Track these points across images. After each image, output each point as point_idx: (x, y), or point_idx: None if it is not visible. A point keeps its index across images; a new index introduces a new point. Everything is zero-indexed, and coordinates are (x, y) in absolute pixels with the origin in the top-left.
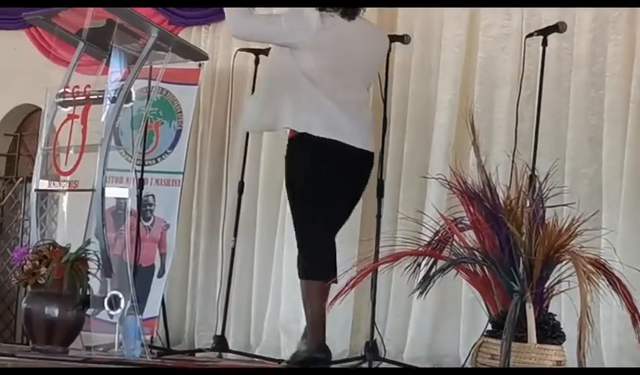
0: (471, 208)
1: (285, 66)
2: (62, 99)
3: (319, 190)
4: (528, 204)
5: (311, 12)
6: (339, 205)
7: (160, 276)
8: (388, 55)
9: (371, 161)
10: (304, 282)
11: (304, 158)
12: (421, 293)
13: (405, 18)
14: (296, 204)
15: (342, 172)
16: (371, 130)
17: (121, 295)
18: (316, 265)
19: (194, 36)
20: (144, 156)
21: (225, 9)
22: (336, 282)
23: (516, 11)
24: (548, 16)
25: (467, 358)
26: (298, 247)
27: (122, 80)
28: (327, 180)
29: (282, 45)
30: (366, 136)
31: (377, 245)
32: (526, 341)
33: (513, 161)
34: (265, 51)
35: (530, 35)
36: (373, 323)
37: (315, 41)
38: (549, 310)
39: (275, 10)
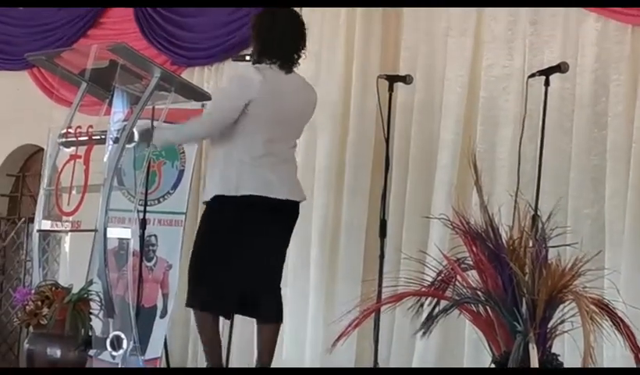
0: (474, 248)
1: (223, 145)
2: (64, 139)
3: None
4: (530, 244)
5: (250, 70)
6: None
7: (162, 316)
8: (390, 97)
9: (296, 208)
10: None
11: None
12: (424, 333)
13: (407, 58)
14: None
15: (266, 223)
16: (297, 180)
17: (123, 336)
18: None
19: (197, 76)
20: (146, 196)
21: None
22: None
23: (518, 51)
24: (550, 56)
25: None
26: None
27: (124, 121)
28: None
29: (237, 113)
30: (290, 187)
31: (380, 285)
32: None
33: (515, 201)
34: None
35: (532, 75)
36: (376, 364)
37: (259, 94)
38: (553, 350)
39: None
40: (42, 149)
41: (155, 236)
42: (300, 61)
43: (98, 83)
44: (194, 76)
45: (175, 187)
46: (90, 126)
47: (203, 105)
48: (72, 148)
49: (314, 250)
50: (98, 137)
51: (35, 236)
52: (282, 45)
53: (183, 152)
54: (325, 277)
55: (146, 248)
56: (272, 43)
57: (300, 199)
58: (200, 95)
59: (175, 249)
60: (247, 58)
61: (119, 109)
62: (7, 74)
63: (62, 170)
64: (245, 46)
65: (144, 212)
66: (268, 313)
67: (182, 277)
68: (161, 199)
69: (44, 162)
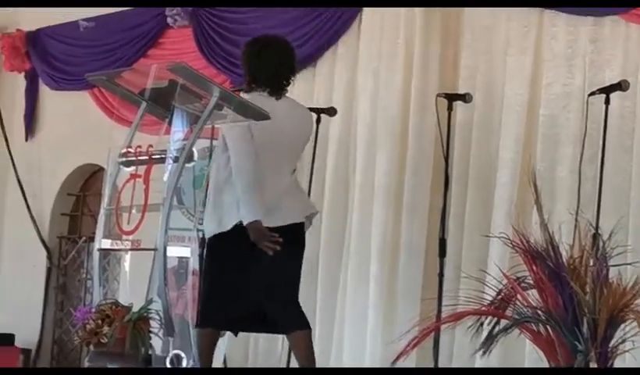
0: (534, 267)
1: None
2: (124, 159)
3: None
4: (591, 263)
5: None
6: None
7: (222, 335)
8: (449, 115)
9: (301, 230)
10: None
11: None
12: (484, 352)
13: (467, 76)
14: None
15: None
16: (299, 200)
17: (183, 354)
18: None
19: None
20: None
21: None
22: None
23: (578, 69)
24: (610, 74)
25: None
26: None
27: (184, 140)
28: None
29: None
30: (288, 211)
31: (439, 304)
32: None
33: (576, 219)
34: (327, 111)
35: (592, 93)
36: None
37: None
38: None
39: None
40: (102, 169)
41: None
42: (289, 87)
43: (158, 103)
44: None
45: None
46: (150, 146)
47: None
48: (133, 168)
49: (373, 267)
50: (158, 157)
51: (95, 255)
52: (270, 73)
53: None
54: (384, 295)
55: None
56: (260, 71)
57: (303, 219)
58: (259, 114)
59: None
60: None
61: (178, 129)
62: (68, 94)
63: (122, 189)
64: (303, 65)
65: (204, 230)
66: (287, 323)
67: None
68: None
69: (105, 181)
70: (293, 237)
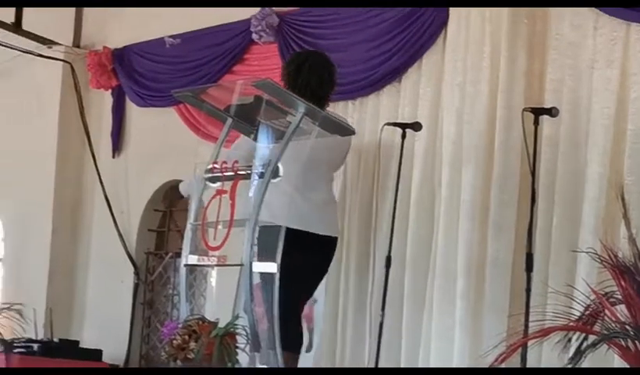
0: (623, 282)
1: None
2: (210, 175)
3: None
4: None
5: None
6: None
7: (308, 350)
8: (535, 130)
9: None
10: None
11: None
12: (572, 368)
13: (553, 91)
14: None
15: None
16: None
17: None
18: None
19: (341, 110)
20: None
21: None
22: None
23: None
24: None
25: None
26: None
27: (269, 156)
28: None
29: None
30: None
31: (526, 320)
32: None
33: None
34: (412, 126)
35: None
36: None
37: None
38: None
39: None
40: None
41: None
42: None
43: (243, 119)
44: (338, 110)
45: None
46: (236, 162)
47: None
48: (219, 183)
49: (459, 283)
50: (244, 172)
51: (182, 270)
52: (308, 91)
53: None
54: (470, 311)
55: None
56: (299, 89)
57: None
58: (345, 129)
59: (320, 284)
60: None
61: (264, 144)
62: (154, 111)
63: (208, 205)
64: (388, 80)
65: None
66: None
67: (328, 312)
68: None
69: (191, 197)
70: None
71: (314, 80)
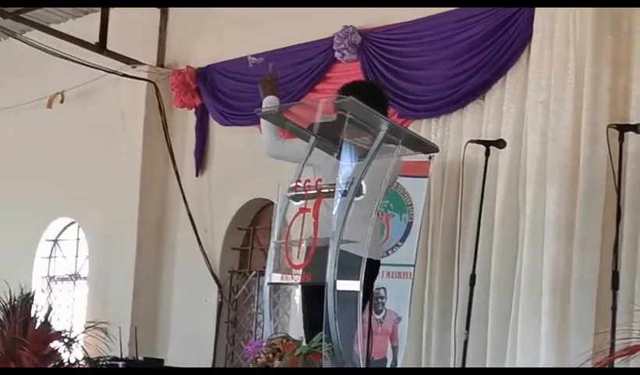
0: None
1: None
2: (294, 193)
3: None
4: None
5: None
6: None
7: None
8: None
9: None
10: None
11: None
12: None
13: (638, 107)
14: None
15: None
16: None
17: None
18: None
19: (424, 128)
20: None
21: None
22: None
23: None
24: None
25: None
26: None
27: (352, 174)
28: None
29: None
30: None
31: (612, 338)
32: None
33: None
34: (496, 143)
35: None
36: None
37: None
38: None
39: None
40: (272, 203)
41: (384, 288)
42: None
43: (326, 137)
44: (422, 128)
45: (403, 239)
46: (319, 180)
47: (430, 157)
48: (302, 202)
49: (544, 301)
50: (327, 191)
51: (266, 289)
52: None
53: (411, 204)
54: (556, 329)
55: (375, 300)
56: None
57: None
58: (428, 147)
59: (404, 302)
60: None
61: (346, 163)
62: (238, 129)
63: (291, 224)
64: (472, 97)
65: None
66: None
67: (411, 330)
68: (389, 251)
69: (274, 215)
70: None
71: None
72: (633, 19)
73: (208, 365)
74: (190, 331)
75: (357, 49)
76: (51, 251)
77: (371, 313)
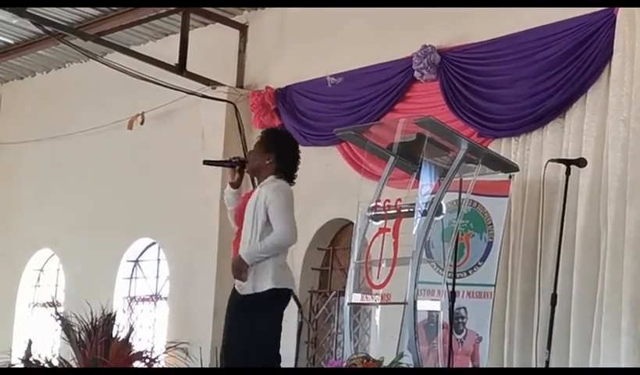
0: None
1: None
2: (373, 213)
3: None
4: None
5: (286, 185)
6: None
7: None
8: None
9: None
10: None
11: None
12: None
13: None
14: None
15: None
16: None
17: None
18: None
19: (504, 147)
20: (455, 269)
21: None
22: None
23: None
24: None
25: None
26: None
27: (432, 193)
28: None
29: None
30: None
31: None
32: None
33: None
34: (577, 162)
35: None
36: None
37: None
38: None
39: None
40: (351, 223)
41: (465, 308)
42: None
43: (406, 157)
44: (501, 147)
45: (484, 259)
46: (399, 200)
47: (510, 177)
48: (381, 222)
49: (625, 320)
50: (407, 210)
51: (346, 309)
52: (295, 167)
53: (491, 224)
54: (637, 348)
55: (456, 320)
56: (291, 165)
57: None
58: (508, 166)
59: (485, 321)
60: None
61: (426, 182)
62: (317, 150)
63: (371, 243)
64: (552, 116)
65: (453, 284)
66: None
67: (492, 350)
68: (470, 271)
69: (354, 235)
70: None
71: (297, 159)
72: None
73: None
74: None
75: (437, 68)
76: (132, 271)
77: (451, 333)
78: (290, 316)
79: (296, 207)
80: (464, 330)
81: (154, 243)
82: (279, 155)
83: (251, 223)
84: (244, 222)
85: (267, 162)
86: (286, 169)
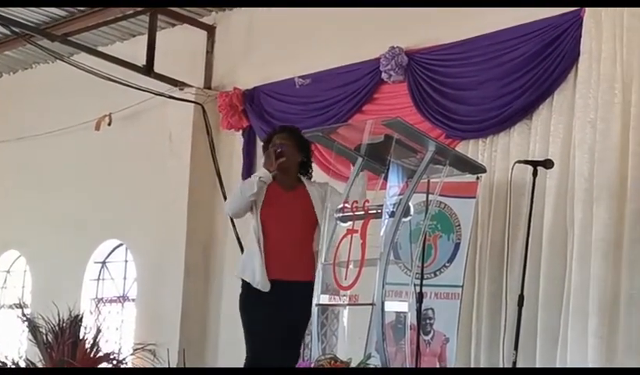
0: None
1: None
2: (341, 214)
3: None
4: None
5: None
6: None
7: None
8: None
9: None
10: None
11: None
12: None
13: None
14: None
15: None
16: None
17: None
18: None
19: (472, 149)
20: (422, 270)
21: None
22: None
23: None
24: None
25: None
26: None
27: (400, 195)
28: None
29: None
30: None
31: None
32: None
33: None
34: (544, 163)
35: None
36: None
37: None
38: None
39: None
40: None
41: (432, 309)
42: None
43: (374, 158)
44: (469, 148)
45: (451, 260)
46: (367, 201)
47: (478, 178)
48: (349, 223)
49: (592, 321)
50: (374, 212)
51: (314, 310)
52: None
53: (459, 225)
54: (604, 349)
55: (423, 321)
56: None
57: None
58: (476, 168)
59: (452, 322)
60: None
61: (394, 183)
62: None
63: (339, 245)
64: (519, 117)
65: (421, 285)
66: None
67: (460, 350)
68: (437, 272)
69: (322, 237)
70: None
71: None
72: None
73: None
74: (238, 353)
75: (404, 70)
76: (100, 273)
77: (419, 334)
78: None
79: None
80: (432, 331)
81: (121, 244)
82: (308, 156)
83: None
84: (302, 220)
85: (299, 160)
86: (309, 169)
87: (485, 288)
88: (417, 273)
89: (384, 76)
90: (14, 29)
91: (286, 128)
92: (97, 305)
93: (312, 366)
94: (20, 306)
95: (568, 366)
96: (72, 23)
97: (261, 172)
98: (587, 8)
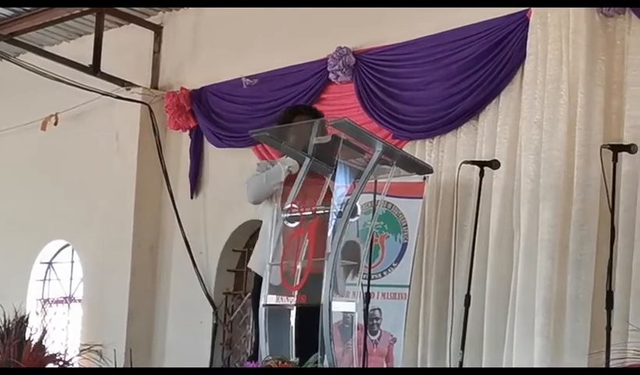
0: None
1: None
2: (289, 214)
3: None
4: None
5: None
6: None
7: None
8: (614, 166)
9: None
10: None
11: None
12: None
13: (631, 127)
14: None
15: None
16: None
17: None
18: None
19: (419, 149)
20: (370, 270)
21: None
22: None
23: None
24: None
25: None
26: None
27: (347, 195)
28: None
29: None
30: None
31: (607, 358)
32: None
33: None
34: (490, 164)
35: None
36: None
37: None
38: None
39: None
40: None
41: (379, 309)
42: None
43: (321, 158)
44: (416, 149)
45: (398, 260)
46: (315, 201)
47: (425, 178)
48: (297, 223)
49: (538, 321)
50: (322, 212)
51: (261, 310)
52: None
53: (406, 225)
54: (550, 350)
55: (370, 321)
56: None
57: None
58: (422, 168)
59: (399, 323)
60: None
61: (341, 184)
62: (233, 151)
63: (287, 245)
64: (466, 118)
65: (368, 285)
66: None
67: (407, 350)
68: (384, 272)
69: (270, 237)
70: None
71: None
72: (626, 39)
73: None
74: (185, 353)
75: (352, 70)
76: (46, 273)
77: (366, 334)
78: (205, 317)
79: (212, 208)
80: (379, 331)
81: (67, 245)
82: None
83: None
84: None
85: None
86: None
87: (431, 288)
88: (364, 274)
89: (331, 76)
90: None
91: (306, 108)
92: (43, 306)
93: (259, 366)
94: None
95: (514, 365)
96: (19, 22)
97: (290, 161)
98: (533, 9)
